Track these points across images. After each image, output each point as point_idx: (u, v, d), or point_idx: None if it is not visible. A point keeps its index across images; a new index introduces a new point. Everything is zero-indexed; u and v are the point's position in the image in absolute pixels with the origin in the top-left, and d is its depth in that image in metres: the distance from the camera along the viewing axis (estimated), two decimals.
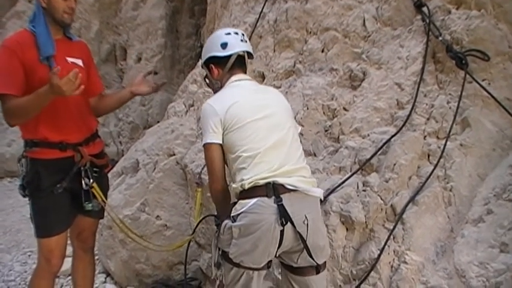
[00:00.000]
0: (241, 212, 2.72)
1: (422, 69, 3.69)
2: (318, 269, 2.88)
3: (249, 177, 2.75)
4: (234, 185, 2.83)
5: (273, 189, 2.72)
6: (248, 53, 3.10)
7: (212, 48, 3.03)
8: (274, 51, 4.68)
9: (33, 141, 3.34)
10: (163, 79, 9.13)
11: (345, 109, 3.96)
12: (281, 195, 2.71)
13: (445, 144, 3.43)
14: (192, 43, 9.79)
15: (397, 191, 3.43)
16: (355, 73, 4.02)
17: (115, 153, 8.74)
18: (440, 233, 3.28)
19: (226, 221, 2.79)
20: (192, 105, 5.25)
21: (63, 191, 3.36)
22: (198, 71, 5.41)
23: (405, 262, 3.20)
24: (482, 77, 3.49)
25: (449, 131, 3.46)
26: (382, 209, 3.40)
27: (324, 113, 4.04)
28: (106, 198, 3.66)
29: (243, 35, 3.11)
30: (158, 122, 6.74)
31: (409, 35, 3.87)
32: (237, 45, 3.02)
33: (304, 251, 2.76)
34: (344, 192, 3.47)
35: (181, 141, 4.91)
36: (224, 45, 2.99)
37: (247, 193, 2.74)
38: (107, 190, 3.79)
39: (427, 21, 3.72)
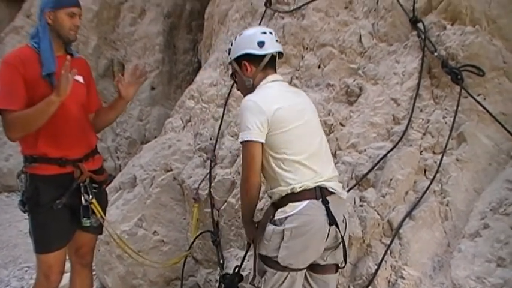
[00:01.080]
0: (291, 215, 2.79)
1: (418, 84, 3.71)
2: (337, 267, 3.03)
3: (298, 181, 2.83)
4: (281, 188, 2.87)
5: (321, 192, 2.84)
6: (279, 53, 3.15)
7: (248, 45, 3.04)
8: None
9: (32, 156, 3.34)
10: (160, 94, 9.21)
11: (341, 124, 3.99)
12: (327, 198, 2.85)
13: (441, 159, 3.45)
14: (189, 58, 9.84)
15: (393, 206, 3.44)
16: (352, 88, 4.05)
17: (112, 168, 8.73)
18: (438, 248, 3.30)
19: (271, 227, 2.84)
20: (189, 121, 5.27)
21: (63, 207, 3.36)
22: (196, 86, 5.42)
23: (402, 277, 3.21)
24: (477, 91, 3.51)
25: (446, 146, 3.48)
26: (379, 224, 3.42)
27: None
28: (105, 214, 3.66)
29: (276, 35, 3.17)
30: (155, 137, 6.75)
31: (405, 50, 3.90)
32: (273, 45, 3.06)
33: (336, 249, 2.94)
34: None
35: (178, 156, 4.92)
36: (261, 44, 3.01)
37: (296, 196, 2.83)
38: (105, 206, 3.79)
39: (423, 37, 3.75)
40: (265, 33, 3.09)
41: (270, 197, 3.05)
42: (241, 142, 2.91)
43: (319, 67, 4.35)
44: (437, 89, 3.69)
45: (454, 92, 3.57)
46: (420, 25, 3.80)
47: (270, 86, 3.02)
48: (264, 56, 3.02)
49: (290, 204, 2.83)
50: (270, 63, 3.07)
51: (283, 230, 2.77)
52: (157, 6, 9.83)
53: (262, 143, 2.85)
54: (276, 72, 3.15)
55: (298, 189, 2.82)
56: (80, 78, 3.47)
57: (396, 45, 3.98)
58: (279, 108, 2.86)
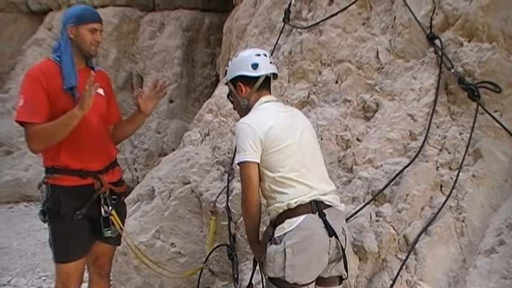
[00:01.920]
0: (290, 231, 2.81)
1: (435, 100, 3.73)
2: (341, 279, 3.04)
3: (293, 196, 2.86)
4: (277, 205, 2.90)
5: (316, 206, 2.87)
6: (274, 74, 3.20)
7: (242, 67, 3.11)
8: (288, 82, 4.76)
9: (54, 168, 3.40)
10: (178, 107, 9.29)
11: (358, 140, 4.01)
12: (323, 211, 2.87)
13: (457, 175, 3.46)
14: (207, 72, 9.94)
15: (409, 222, 3.45)
16: (369, 104, 4.08)
17: (130, 180, 8.81)
18: (453, 264, 3.29)
19: (272, 247, 2.86)
20: (208, 134, 5.32)
21: (83, 218, 3.40)
22: (214, 100, 5.48)
23: None
24: (494, 108, 3.52)
25: (462, 162, 3.49)
26: (394, 239, 3.42)
27: (337, 143, 4.09)
28: (123, 225, 3.70)
29: (270, 56, 3.23)
30: (173, 149, 6.82)
31: (422, 67, 3.93)
32: (266, 66, 3.12)
33: (339, 261, 2.94)
34: (357, 222, 3.50)
35: (196, 169, 4.97)
36: (255, 66, 3.07)
37: (293, 212, 2.86)
38: (124, 217, 3.82)
39: (440, 53, 3.77)
40: (259, 55, 3.15)
41: (268, 214, 3.08)
42: (237, 164, 2.98)
43: (336, 82, 4.39)
44: (453, 106, 3.70)
45: (471, 109, 3.58)
46: (437, 42, 3.83)
47: (264, 107, 3.08)
48: (258, 77, 3.09)
49: (287, 220, 2.85)
50: (264, 84, 3.13)
51: (285, 248, 2.80)
52: (176, 20, 9.98)
53: (257, 163, 2.91)
54: (270, 93, 3.21)
55: (294, 205, 2.85)
56: (100, 91, 3.53)
57: (413, 62, 4.01)
58: (272, 127, 2.91)
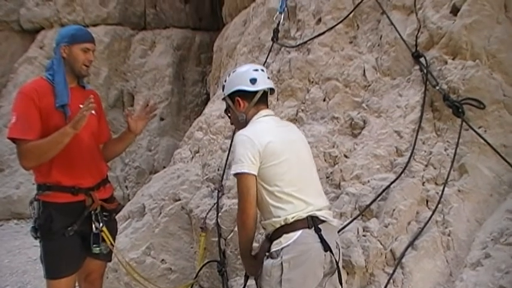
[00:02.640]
0: (287, 245, 2.85)
1: (421, 117, 3.79)
2: None
3: (290, 212, 2.90)
4: (274, 219, 2.93)
5: (312, 221, 2.91)
6: (271, 89, 3.25)
7: (241, 82, 3.15)
8: (277, 100, 4.82)
9: (46, 184, 3.42)
10: (169, 125, 9.32)
11: (345, 156, 4.07)
12: (319, 226, 2.91)
13: (443, 190, 3.51)
14: (198, 90, 10.00)
15: (396, 236, 3.49)
16: (356, 121, 4.14)
17: (121, 197, 8.80)
18: (440, 277, 3.33)
19: (269, 262, 2.88)
20: (198, 152, 5.36)
21: (74, 234, 3.43)
22: (204, 118, 5.53)
23: None
24: (478, 124, 3.59)
25: (447, 177, 3.54)
26: (381, 254, 3.46)
27: (325, 160, 4.14)
28: (114, 242, 3.73)
29: (267, 72, 3.30)
30: (164, 167, 6.84)
31: (408, 84, 3.99)
32: (264, 81, 3.17)
33: (332, 275, 2.98)
34: (345, 237, 3.53)
35: (187, 186, 5.00)
36: (253, 81, 3.12)
37: (290, 227, 2.89)
38: (115, 234, 3.84)
39: (425, 71, 3.83)
40: (257, 70, 3.20)
41: (264, 229, 3.11)
42: (234, 174, 2.99)
43: (324, 100, 4.45)
44: (439, 122, 3.77)
45: (456, 125, 3.64)
46: (422, 60, 3.89)
47: (262, 120, 3.12)
48: (256, 92, 3.13)
49: (285, 235, 2.88)
50: (262, 99, 3.18)
51: (281, 262, 2.82)
52: (167, 39, 10.04)
53: (255, 176, 2.93)
54: (267, 107, 3.25)
55: (291, 220, 2.88)
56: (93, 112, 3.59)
57: (399, 79, 4.08)
58: (271, 142, 2.94)
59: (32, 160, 3.32)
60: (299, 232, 2.86)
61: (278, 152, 2.95)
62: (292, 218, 2.89)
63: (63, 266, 3.44)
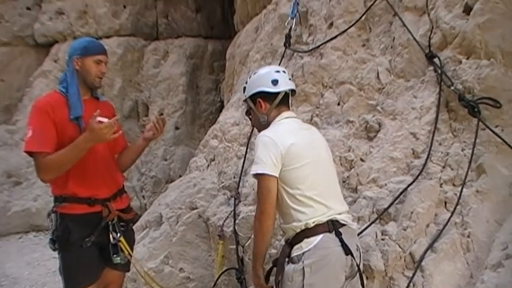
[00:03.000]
0: (308, 250, 2.84)
1: (436, 118, 3.76)
2: None
3: (311, 216, 2.90)
4: (294, 224, 2.93)
5: (333, 225, 2.91)
6: (292, 90, 3.25)
7: (262, 83, 3.15)
8: (291, 105, 4.78)
9: (62, 196, 3.45)
10: (184, 134, 9.35)
11: (361, 160, 4.05)
12: (339, 230, 2.92)
13: (461, 191, 3.46)
14: (212, 98, 10.02)
15: (415, 239, 3.45)
16: (371, 124, 4.12)
17: (138, 207, 8.82)
18: (460, 279, 3.29)
19: (290, 267, 2.88)
20: (213, 160, 5.37)
21: (92, 245, 3.44)
22: (219, 126, 5.54)
23: None
24: (495, 123, 3.54)
25: (465, 178, 3.50)
26: (401, 257, 3.43)
27: (341, 164, 4.12)
28: (132, 252, 3.74)
29: (289, 73, 3.29)
30: (180, 176, 6.86)
31: (422, 85, 3.96)
32: (286, 82, 3.17)
33: (353, 277, 2.98)
34: (363, 242, 3.50)
35: (203, 195, 5.01)
36: (275, 82, 3.12)
37: (311, 231, 2.89)
38: (133, 244, 3.86)
39: (439, 71, 3.80)
40: (278, 71, 3.20)
41: (284, 233, 3.10)
42: (255, 175, 2.97)
43: (338, 104, 4.44)
44: (455, 122, 3.73)
45: (472, 125, 3.61)
46: (436, 60, 3.86)
47: (284, 122, 3.12)
48: (277, 93, 3.13)
49: (306, 240, 2.88)
50: (284, 101, 3.18)
51: (303, 267, 2.82)
52: (180, 48, 10.09)
53: (276, 178, 2.92)
54: (289, 109, 3.25)
55: (312, 225, 2.88)
56: (105, 120, 3.59)
57: (413, 81, 4.05)
58: (293, 144, 2.94)
59: (50, 173, 3.34)
60: (320, 236, 2.86)
61: (300, 154, 2.95)
62: (313, 222, 2.88)
63: (81, 277, 3.46)
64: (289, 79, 3.24)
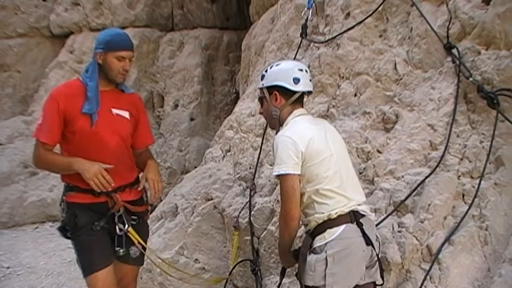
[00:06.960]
0: (331, 240, 2.88)
1: (454, 110, 3.73)
2: (375, 285, 3.11)
3: (334, 207, 2.94)
4: (317, 215, 2.96)
5: (354, 216, 2.96)
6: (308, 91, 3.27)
7: (284, 78, 3.12)
8: (307, 96, 4.77)
9: (69, 185, 3.47)
10: (199, 125, 9.34)
11: (378, 151, 4.02)
12: (360, 220, 2.97)
13: (479, 184, 3.44)
14: (227, 89, 10.02)
15: (432, 232, 3.43)
16: (388, 116, 4.09)
17: None
18: (477, 273, 3.28)
19: (313, 257, 2.90)
20: (229, 151, 5.36)
21: (103, 230, 3.45)
22: (234, 117, 5.53)
23: None
24: None
25: (483, 171, 3.47)
26: (417, 250, 3.41)
27: (358, 155, 4.10)
28: (146, 245, 3.71)
29: (309, 74, 3.28)
30: (195, 167, 6.86)
31: (440, 76, 3.92)
32: (306, 83, 3.17)
33: (372, 267, 3.04)
34: (380, 234, 3.46)
35: (218, 185, 5.01)
36: (296, 80, 3.11)
37: (333, 222, 2.92)
38: (146, 237, 3.81)
39: (457, 62, 3.76)
40: (301, 70, 3.18)
41: (305, 225, 3.11)
42: (277, 175, 2.98)
43: (355, 95, 4.41)
44: (473, 114, 3.69)
45: (491, 117, 3.57)
46: (454, 51, 3.82)
47: (299, 120, 3.12)
48: (295, 92, 3.12)
49: (328, 230, 2.90)
50: (299, 99, 3.18)
51: (326, 257, 2.84)
52: (195, 39, 10.08)
53: (299, 175, 2.94)
54: (302, 106, 3.25)
55: (335, 215, 2.91)
56: (125, 114, 3.56)
57: (431, 72, 4.01)
58: (311, 142, 2.95)
59: (40, 165, 3.57)
60: (342, 227, 2.90)
61: (319, 151, 2.97)
62: (336, 213, 2.92)
63: (96, 258, 3.43)
64: (310, 80, 3.23)
